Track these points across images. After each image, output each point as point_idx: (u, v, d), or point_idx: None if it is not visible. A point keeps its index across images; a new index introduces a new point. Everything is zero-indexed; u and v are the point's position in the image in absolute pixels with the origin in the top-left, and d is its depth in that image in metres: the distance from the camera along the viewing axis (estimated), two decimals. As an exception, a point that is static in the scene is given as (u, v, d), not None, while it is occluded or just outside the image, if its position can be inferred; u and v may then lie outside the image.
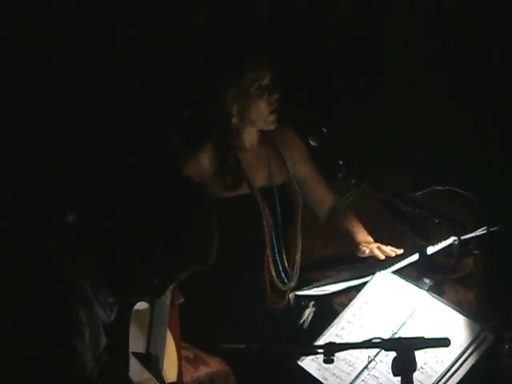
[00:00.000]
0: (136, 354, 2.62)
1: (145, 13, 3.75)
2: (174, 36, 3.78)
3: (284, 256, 3.30)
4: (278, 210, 3.29)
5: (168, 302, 2.82)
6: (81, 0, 3.63)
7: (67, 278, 2.22)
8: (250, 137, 3.30)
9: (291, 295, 3.27)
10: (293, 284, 3.31)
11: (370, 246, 3.21)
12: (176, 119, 3.26)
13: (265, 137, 3.35)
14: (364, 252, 3.21)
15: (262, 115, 3.21)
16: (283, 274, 3.29)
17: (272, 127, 3.25)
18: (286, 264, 3.31)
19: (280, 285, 3.29)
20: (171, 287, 2.59)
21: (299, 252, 3.34)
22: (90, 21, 3.64)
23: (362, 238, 3.29)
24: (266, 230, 3.25)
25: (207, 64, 3.24)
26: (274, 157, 3.36)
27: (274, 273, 3.27)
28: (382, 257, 3.16)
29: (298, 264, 3.34)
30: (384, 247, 3.19)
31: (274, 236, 3.27)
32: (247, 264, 3.24)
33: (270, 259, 3.26)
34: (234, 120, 3.21)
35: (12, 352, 2.15)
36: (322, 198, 3.43)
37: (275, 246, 3.27)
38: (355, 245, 3.27)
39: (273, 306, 3.27)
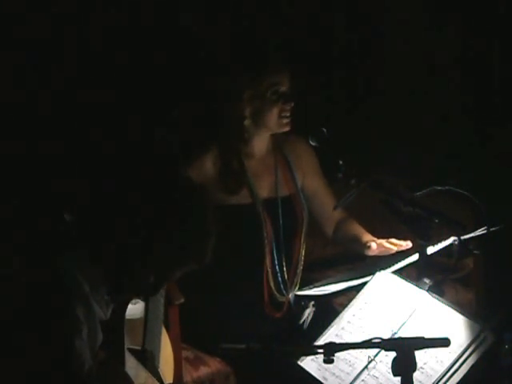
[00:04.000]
0: (132, 351, 2.63)
1: (158, 9, 3.76)
2: (192, 32, 3.79)
3: (284, 268, 3.27)
4: (281, 222, 3.25)
5: (162, 300, 2.83)
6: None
7: (65, 277, 2.22)
8: (260, 144, 3.26)
9: (291, 295, 3.27)
10: (292, 295, 3.28)
11: (379, 241, 3.19)
12: (173, 118, 3.26)
13: (276, 146, 3.31)
14: (373, 249, 3.16)
15: (274, 119, 3.17)
16: (282, 286, 3.26)
17: (286, 129, 3.21)
18: (286, 276, 3.27)
19: (279, 296, 3.26)
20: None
21: (301, 265, 3.30)
22: (90, 18, 3.64)
23: (369, 238, 3.27)
24: (265, 241, 3.22)
25: (226, 63, 3.22)
26: (283, 167, 3.32)
27: (272, 285, 3.24)
28: (395, 248, 3.13)
29: (298, 277, 3.30)
30: (393, 240, 3.17)
31: (274, 248, 3.24)
32: (246, 275, 3.21)
33: (269, 271, 3.24)
34: (246, 122, 3.19)
35: (10, 350, 2.16)
36: (331, 214, 3.39)
37: (275, 258, 3.24)
38: (363, 245, 3.24)
39: (272, 316, 3.25)
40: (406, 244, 3.13)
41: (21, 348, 2.16)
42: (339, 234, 3.42)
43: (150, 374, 2.68)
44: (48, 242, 2.30)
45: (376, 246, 3.16)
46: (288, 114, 3.17)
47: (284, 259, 3.26)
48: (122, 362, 2.57)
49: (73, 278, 2.23)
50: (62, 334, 2.17)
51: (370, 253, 3.18)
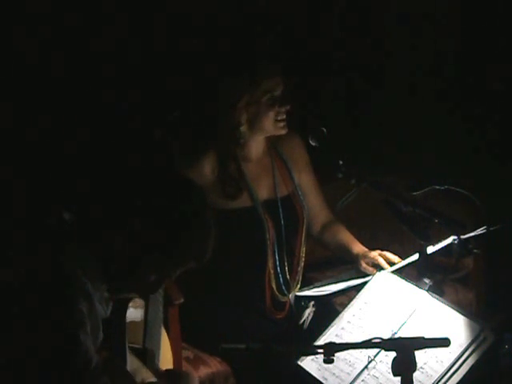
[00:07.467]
0: (132, 349, 2.64)
1: (155, 14, 3.76)
2: (188, 38, 3.79)
3: (286, 268, 3.26)
4: (282, 222, 3.25)
5: (161, 300, 2.84)
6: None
7: (67, 275, 2.22)
8: (256, 147, 3.26)
9: (291, 295, 3.27)
10: (292, 295, 3.27)
11: (372, 256, 3.18)
12: (173, 119, 3.25)
13: (271, 147, 3.31)
14: (368, 269, 3.17)
15: (270, 123, 3.16)
16: (284, 287, 3.26)
17: (282, 132, 3.20)
18: (288, 276, 3.27)
19: (280, 296, 3.25)
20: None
21: (302, 263, 3.30)
22: (89, 17, 3.64)
23: (359, 250, 3.26)
24: (268, 243, 3.21)
25: (222, 71, 3.22)
26: (280, 168, 3.31)
27: (274, 285, 3.23)
28: (387, 266, 3.13)
29: (300, 275, 3.30)
30: (385, 253, 3.17)
31: (276, 249, 3.23)
32: (247, 276, 3.22)
33: (272, 271, 3.23)
34: (243, 128, 3.18)
35: (17, 347, 2.16)
36: (318, 211, 3.40)
37: (277, 258, 3.24)
38: (354, 258, 3.25)
39: (273, 317, 3.25)
40: (399, 259, 3.13)
41: (26, 345, 2.16)
42: (325, 236, 3.42)
43: (150, 373, 2.69)
44: (48, 241, 2.30)
45: (371, 265, 3.17)
46: (284, 117, 3.17)
47: (286, 259, 3.26)
48: (124, 361, 2.58)
49: (74, 276, 2.23)
50: (67, 327, 2.18)
51: (366, 271, 3.18)
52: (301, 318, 3.23)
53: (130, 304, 2.70)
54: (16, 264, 2.26)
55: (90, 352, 2.22)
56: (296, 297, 3.27)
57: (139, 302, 2.79)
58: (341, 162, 3.07)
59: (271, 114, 3.15)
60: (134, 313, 2.73)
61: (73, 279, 2.23)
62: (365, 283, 3.04)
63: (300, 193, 3.33)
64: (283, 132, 3.20)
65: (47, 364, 2.17)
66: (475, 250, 3.00)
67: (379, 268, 3.12)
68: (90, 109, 3.62)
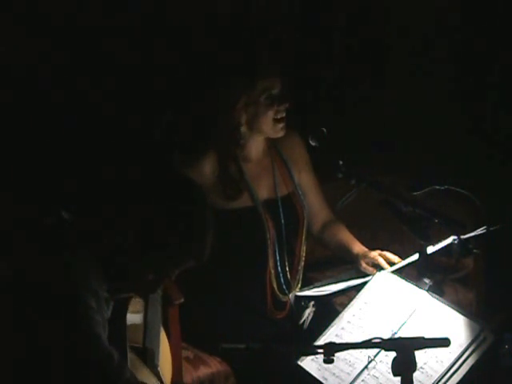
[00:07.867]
0: (132, 348, 2.64)
1: (155, 14, 3.76)
2: (187, 40, 3.79)
3: (287, 268, 3.26)
4: (282, 221, 3.25)
5: (160, 299, 2.85)
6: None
7: (70, 274, 2.22)
8: (256, 147, 3.26)
9: (291, 295, 3.27)
10: (292, 295, 3.27)
11: (372, 256, 3.18)
12: (171, 118, 3.25)
13: (271, 146, 3.31)
14: (368, 269, 3.16)
15: (269, 124, 3.17)
16: (284, 286, 3.26)
17: (280, 134, 3.20)
18: (289, 275, 3.27)
19: (281, 296, 3.26)
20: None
21: (303, 262, 3.30)
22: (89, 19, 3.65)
23: (359, 250, 3.26)
24: (268, 242, 3.21)
25: (220, 72, 3.21)
26: (280, 167, 3.32)
27: (275, 285, 3.24)
28: (387, 266, 3.13)
29: (300, 274, 3.30)
30: (385, 253, 3.18)
31: (277, 248, 3.23)
32: (248, 276, 3.22)
33: (272, 271, 3.23)
34: (243, 129, 3.18)
35: (32, 348, 2.16)
36: (318, 211, 3.40)
37: (278, 258, 3.24)
38: (354, 258, 3.25)
39: (273, 317, 3.25)
40: (399, 259, 3.13)
41: (39, 348, 2.17)
42: (325, 236, 3.42)
43: (151, 373, 2.69)
44: (48, 241, 2.30)
45: (371, 265, 3.17)
46: (283, 115, 3.17)
47: (286, 258, 3.26)
48: (125, 360, 2.58)
49: (75, 275, 2.23)
50: (81, 325, 2.18)
51: (366, 271, 3.18)
52: (301, 318, 3.23)
53: (130, 309, 2.70)
54: (16, 264, 2.26)
55: (108, 347, 2.23)
56: (296, 297, 3.27)
57: (139, 306, 2.79)
58: (341, 162, 3.07)
59: (270, 114, 3.15)
60: (133, 317, 2.74)
61: (76, 278, 2.23)
62: (365, 283, 3.04)
63: (300, 192, 3.33)
64: (281, 134, 3.20)
65: (69, 363, 2.17)
66: (475, 250, 3.00)
67: (379, 268, 3.12)
68: (90, 108, 3.62)
